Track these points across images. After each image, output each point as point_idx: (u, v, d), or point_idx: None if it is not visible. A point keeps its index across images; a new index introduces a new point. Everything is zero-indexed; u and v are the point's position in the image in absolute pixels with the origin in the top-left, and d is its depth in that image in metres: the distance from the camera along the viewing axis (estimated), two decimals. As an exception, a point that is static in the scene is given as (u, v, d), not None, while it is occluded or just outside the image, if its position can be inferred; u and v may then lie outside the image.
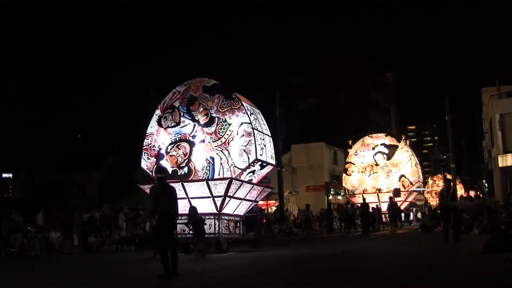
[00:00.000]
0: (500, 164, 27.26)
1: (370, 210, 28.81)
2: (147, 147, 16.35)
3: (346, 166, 35.58)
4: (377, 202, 31.81)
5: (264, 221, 25.45)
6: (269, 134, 16.69)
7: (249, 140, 15.09)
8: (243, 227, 16.78)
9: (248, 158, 15.07)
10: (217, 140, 15.38)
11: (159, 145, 16.19)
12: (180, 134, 15.95)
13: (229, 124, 15.36)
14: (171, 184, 13.44)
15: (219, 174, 15.23)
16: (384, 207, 30.40)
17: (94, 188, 41.55)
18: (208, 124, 15.62)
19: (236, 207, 15.85)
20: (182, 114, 16.08)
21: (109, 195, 35.44)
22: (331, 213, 30.83)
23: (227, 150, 15.23)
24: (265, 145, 15.86)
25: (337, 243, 19.37)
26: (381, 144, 34.33)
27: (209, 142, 15.52)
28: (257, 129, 15.51)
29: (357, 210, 29.76)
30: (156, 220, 8.80)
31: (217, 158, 15.30)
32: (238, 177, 15.25)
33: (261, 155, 15.42)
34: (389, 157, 33.90)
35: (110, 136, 42.76)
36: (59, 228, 20.33)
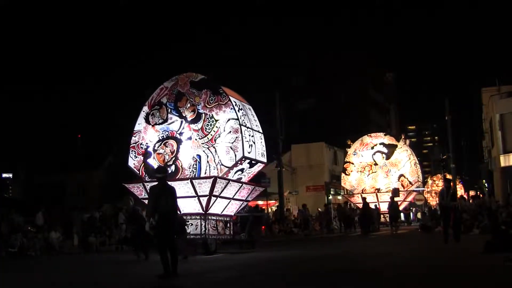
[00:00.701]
0: (502, 164, 27.22)
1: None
2: (134, 145, 15.77)
3: (344, 166, 35.07)
4: (376, 202, 31.29)
5: (263, 227, 25.34)
6: (260, 131, 16.00)
7: (236, 137, 14.42)
8: (235, 228, 16.23)
9: (235, 155, 14.39)
10: (204, 137, 14.74)
11: (146, 143, 15.62)
12: (168, 131, 15.38)
13: (216, 121, 14.71)
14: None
15: (205, 173, 14.58)
16: (383, 207, 30.09)
17: (94, 188, 41.59)
18: (195, 121, 15.00)
19: (224, 207, 15.18)
20: (169, 110, 15.47)
21: (109, 195, 35.41)
22: (329, 213, 30.31)
23: (214, 147, 14.59)
24: (254, 142, 15.17)
25: (336, 243, 19.17)
26: (380, 144, 33.87)
27: (195, 139, 14.89)
28: (245, 126, 14.85)
29: (357, 211, 29.83)
30: (155, 220, 8.82)
31: (203, 156, 14.67)
32: (225, 176, 14.57)
33: (249, 152, 14.76)
34: (388, 156, 33.44)
35: (110, 136, 42.76)
36: (59, 228, 20.34)
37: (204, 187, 14.24)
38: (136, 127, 15.86)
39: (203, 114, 14.90)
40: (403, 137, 35.45)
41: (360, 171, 33.77)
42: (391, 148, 33.68)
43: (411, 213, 40.97)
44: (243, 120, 14.85)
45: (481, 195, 33.09)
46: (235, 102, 14.99)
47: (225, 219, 15.47)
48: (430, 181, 51.01)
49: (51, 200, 34.31)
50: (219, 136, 14.58)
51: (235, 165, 14.55)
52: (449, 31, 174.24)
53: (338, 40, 66.91)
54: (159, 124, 15.54)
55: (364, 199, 27.63)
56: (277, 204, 32.94)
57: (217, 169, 14.46)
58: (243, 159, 14.57)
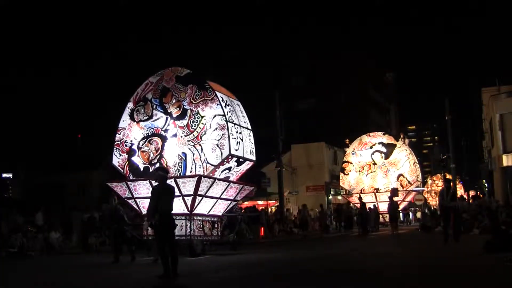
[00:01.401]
0: (504, 164, 27.16)
1: (368, 210, 28.73)
2: (119, 142, 15.12)
3: (343, 165, 34.59)
4: (375, 202, 30.83)
5: (262, 228, 25.10)
6: (249, 128, 15.28)
7: (223, 134, 13.74)
8: (223, 228, 15.54)
9: (222, 153, 13.71)
10: (189, 134, 14.05)
11: (131, 140, 14.97)
12: (153, 128, 14.72)
13: (202, 117, 14.02)
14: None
15: (191, 171, 13.89)
16: (382, 207, 29.68)
17: (94, 188, 41.56)
18: (180, 117, 14.31)
19: (211, 207, 14.46)
20: (154, 106, 14.81)
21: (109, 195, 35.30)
22: (324, 213, 29.74)
23: (200, 145, 13.90)
24: (242, 139, 14.45)
25: (336, 244, 19.07)
26: (379, 143, 33.49)
27: (181, 137, 14.20)
28: (232, 122, 14.14)
29: (357, 210, 29.74)
30: (156, 220, 8.82)
31: (189, 154, 13.99)
32: (211, 174, 13.88)
33: (236, 150, 14.07)
34: (387, 156, 33.05)
35: (110, 136, 42.68)
36: (59, 228, 20.32)
37: (188, 186, 13.57)
38: (121, 124, 15.26)
39: (189, 110, 14.24)
40: (402, 136, 35.41)
41: (359, 171, 33.39)
42: (390, 148, 33.32)
43: (410, 213, 40.93)
44: (230, 116, 14.15)
45: (481, 195, 33.06)
46: (221, 97, 14.31)
47: (212, 219, 14.78)
48: (430, 181, 50.75)
49: (51, 200, 34.29)
50: (205, 133, 13.94)
51: (222, 163, 13.91)
52: (449, 31, 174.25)
53: (338, 40, 66.97)
54: (143, 120, 14.92)
55: (360, 199, 27.20)
56: (277, 204, 32.92)
57: (203, 168, 13.81)
58: (230, 157, 13.94)
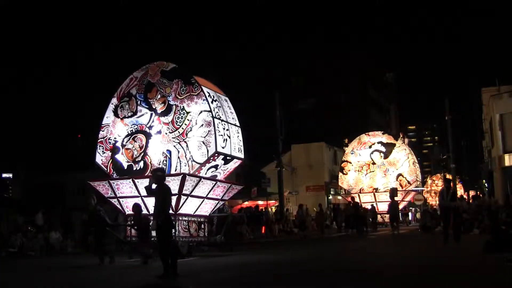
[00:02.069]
0: (507, 163, 27.11)
1: (366, 210, 27.57)
2: (102, 139, 14.55)
3: (342, 165, 34.16)
4: (373, 202, 30.45)
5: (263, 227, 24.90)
6: (237, 124, 14.56)
7: (209, 131, 13.10)
8: (210, 228, 14.93)
9: (208, 151, 13.07)
10: (175, 131, 13.46)
11: (115, 138, 14.37)
12: (137, 125, 14.12)
13: (188, 113, 13.40)
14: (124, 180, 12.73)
15: (176, 169, 13.29)
16: (380, 207, 29.38)
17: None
18: (165, 113, 13.71)
19: (197, 207, 13.81)
20: (139, 102, 14.18)
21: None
22: (322, 213, 28.71)
23: (185, 142, 13.29)
24: (229, 136, 13.79)
25: (336, 244, 18.90)
26: (378, 142, 33.07)
27: (166, 133, 13.60)
28: (219, 118, 13.49)
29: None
30: (162, 220, 8.83)
31: (174, 151, 13.38)
32: (196, 173, 13.22)
33: (223, 147, 13.42)
34: (386, 155, 32.63)
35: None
36: (59, 228, 20.31)
37: (172, 185, 12.72)
38: (104, 121, 14.65)
39: (174, 106, 13.61)
40: (401, 136, 35.32)
41: (358, 171, 33.00)
42: (389, 147, 32.91)
43: (410, 213, 40.81)
44: (216, 112, 13.50)
45: (481, 195, 33.00)
46: (208, 92, 13.65)
47: (199, 219, 14.11)
48: (429, 181, 50.47)
49: (51, 200, 34.27)
50: (190, 130, 13.31)
51: (208, 161, 13.27)
52: (449, 31, 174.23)
53: (338, 40, 66.94)
54: (128, 117, 14.31)
55: (353, 198, 26.80)
56: (277, 204, 32.90)
57: (188, 166, 13.19)
58: (216, 154, 13.28)
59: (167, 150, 13.56)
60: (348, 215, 26.03)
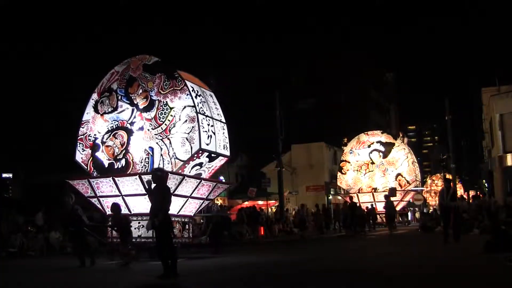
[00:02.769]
0: (509, 163, 27.13)
1: (365, 209, 27.36)
2: (82, 136, 13.88)
3: (341, 165, 33.81)
4: (372, 202, 30.12)
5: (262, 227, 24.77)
6: (223, 120, 13.90)
7: (193, 127, 12.47)
8: (196, 229, 14.36)
9: (191, 148, 12.44)
10: (157, 127, 12.86)
11: (94, 134, 13.71)
12: (118, 121, 13.49)
13: (171, 108, 12.79)
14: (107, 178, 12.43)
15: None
16: (379, 207, 28.78)
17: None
18: (147, 109, 13.08)
19: (181, 207, 13.17)
20: (119, 97, 13.55)
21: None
22: (320, 213, 28.27)
23: (168, 138, 12.68)
24: (214, 133, 13.16)
25: (336, 244, 18.80)
26: (377, 142, 32.78)
27: (148, 130, 12.98)
28: (203, 114, 12.85)
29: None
30: (159, 220, 8.84)
31: (157, 149, 12.79)
32: (180, 171, 12.62)
33: (207, 144, 12.80)
34: (385, 155, 32.37)
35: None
36: (59, 228, 20.28)
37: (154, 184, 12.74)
38: (84, 117, 14.00)
39: (157, 101, 12.99)
40: (401, 135, 35.21)
41: (357, 170, 32.67)
42: (388, 147, 32.63)
43: (409, 213, 40.67)
44: (201, 107, 12.85)
45: (481, 196, 32.98)
46: (192, 87, 13.01)
47: (183, 220, 13.46)
48: (429, 181, 50.05)
49: (51, 200, 34.20)
50: (174, 126, 12.68)
51: (191, 158, 12.62)
52: (449, 31, 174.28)
53: (338, 40, 66.93)
54: (108, 113, 13.68)
55: (351, 198, 26.40)
56: (277, 204, 32.89)
57: (171, 163, 12.56)
58: (201, 152, 12.64)
59: (150, 147, 12.95)
60: (345, 215, 25.91)
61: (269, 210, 33.19)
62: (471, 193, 42.42)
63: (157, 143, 12.89)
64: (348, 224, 24.63)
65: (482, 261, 9.89)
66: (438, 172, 46.20)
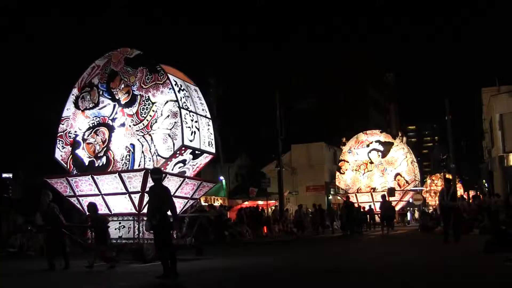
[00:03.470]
0: (505, 164, 27.12)
1: (363, 209, 26.99)
2: (62, 133, 13.27)
3: (339, 164, 33.40)
4: (371, 202, 29.81)
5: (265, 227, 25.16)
6: (208, 116, 13.19)
7: (175, 122, 11.83)
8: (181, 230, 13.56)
9: (174, 144, 11.81)
10: (139, 123, 12.22)
11: (75, 131, 13.10)
12: (99, 117, 12.87)
13: (153, 103, 12.15)
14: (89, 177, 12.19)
15: (139, 165, 11.97)
16: (378, 207, 28.04)
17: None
18: (129, 104, 12.44)
19: None
20: (101, 92, 12.92)
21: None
22: (317, 213, 27.83)
23: (150, 135, 12.04)
24: (198, 129, 12.48)
25: (336, 244, 18.65)
26: (376, 141, 32.46)
27: (129, 126, 12.33)
28: (186, 109, 12.19)
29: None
30: (157, 220, 8.84)
31: (138, 145, 12.16)
32: (162, 168, 11.56)
33: (191, 140, 12.15)
34: (384, 154, 32.01)
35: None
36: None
37: (134, 182, 11.69)
38: (65, 113, 13.37)
39: (139, 96, 12.34)
40: (400, 135, 35.06)
41: (356, 170, 32.30)
42: (387, 146, 32.26)
43: (408, 213, 40.53)
44: (184, 102, 12.20)
45: (481, 196, 32.95)
46: (175, 81, 12.37)
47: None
48: (429, 181, 49.74)
49: (51, 200, 34.14)
50: (155, 122, 12.06)
51: (174, 155, 11.98)
52: (449, 31, 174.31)
53: (338, 40, 66.88)
54: (89, 108, 13.06)
55: (347, 198, 26.12)
56: (276, 204, 32.90)
57: (153, 161, 11.93)
58: (183, 148, 11.98)
59: (131, 144, 12.30)
60: (342, 215, 25.50)
61: (269, 210, 33.17)
62: (471, 193, 42.42)
63: (138, 139, 12.25)
64: (343, 224, 24.55)
65: (482, 261, 9.84)
66: (438, 172, 46.20)
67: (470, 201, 29.28)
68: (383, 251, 13.86)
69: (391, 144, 32.73)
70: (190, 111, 12.41)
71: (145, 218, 11.58)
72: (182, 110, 12.02)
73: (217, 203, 29.32)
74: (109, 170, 12.37)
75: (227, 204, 31.41)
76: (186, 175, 12.85)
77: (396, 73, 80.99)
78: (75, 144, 13.13)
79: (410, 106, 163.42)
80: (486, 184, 41.21)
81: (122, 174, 11.83)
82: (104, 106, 12.93)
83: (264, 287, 8.07)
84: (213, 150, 13.24)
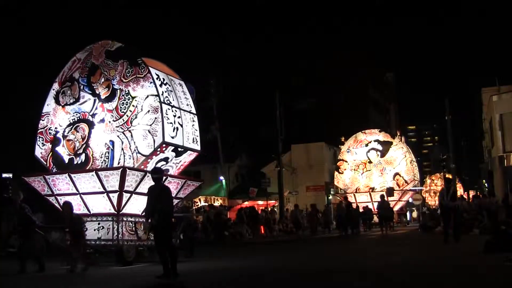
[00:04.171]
0: (505, 164, 27.12)
1: (361, 210, 26.70)
2: (42, 130, 12.69)
3: (338, 164, 32.98)
4: (369, 202, 29.42)
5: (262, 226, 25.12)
6: (193, 111, 12.50)
7: (156, 118, 11.21)
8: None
9: (154, 141, 11.21)
10: (119, 118, 11.59)
11: (55, 128, 12.50)
12: (79, 113, 12.27)
13: (133, 98, 11.51)
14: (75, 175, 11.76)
15: (119, 163, 11.33)
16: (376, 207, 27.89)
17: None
18: (109, 99, 11.84)
19: None
20: (81, 87, 12.30)
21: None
22: (315, 213, 27.55)
23: (130, 131, 11.41)
24: (182, 125, 11.83)
25: (335, 244, 18.66)
26: (375, 141, 32.00)
27: (109, 122, 11.70)
28: (168, 104, 11.53)
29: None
30: (156, 220, 8.85)
31: (117, 142, 11.52)
32: (142, 166, 11.31)
33: (173, 137, 11.51)
34: (383, 154, 31.55)
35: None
36: (59, 228, 20.19)
37: (112, 181, 11.04)
38: (45, 109, 12.78)
39: (118, 91, 11.73)
40: (399, 134, 34.98)
41: (354, 170, 31.86)
42: (386, 146, 31.82)
43: (407, 213, 39.96)
44: (166, 97, 11.56)
45: (481, 196, 32.92)
46: (157, 74, 11.72)
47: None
48: (428, 181, 49.06)
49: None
50: (135, 117, 11.43)
51: (154, 153, 11.35)
52: (449, 31, 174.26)
53: (338, 40, 66.84)
54: (70, 104, 12.45)
55: (345, 198, 25.79)
56: (276, 204, 32.88)
57: (133, 158, 11.30)
58: (164, 145, 11.35)
59: (110, 140, 11.68)
60: (339, 215, 25.69)
61: (269, 210, 33.15)
62: (471, 193, 42.44)
63: (118, 136, 11.57)
64: (338, 224, 24.24)
65: (482, 261, 9.82)
66: (438, 172, 46.23)
67: (470, 201, 29.31)
68: (383, 251, 13.82)
69: (390, 143, 32.28)
70: (172, 106, 11.74)
71: (124, 219, 11.50)
72: (163, 105, 11.37)
73: (217, 203, 29.33)
74: (88, 168, 11.76)
75: (227, 204, 31.42)
76: (169, 173, 12.25)
77: (396, 73, 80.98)
78: (55, 141, 12.52)
79: (410, 106, 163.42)
80: (486, 184, 41.20)
81: (99, 173, 11.24)
82: (85, 101, 12.32)
83: (264, 287, 8.05)
84: (198, 147, 12.48)
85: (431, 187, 47.63)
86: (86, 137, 12.08)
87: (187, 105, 12.45)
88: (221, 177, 35.41)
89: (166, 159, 11.93)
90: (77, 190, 11.79)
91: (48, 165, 12.54)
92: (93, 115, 12.10)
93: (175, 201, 12.88)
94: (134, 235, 11.72)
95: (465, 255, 11.08)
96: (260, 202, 30.58)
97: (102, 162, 11.72)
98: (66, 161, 12.27)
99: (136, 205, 11.72)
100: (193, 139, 12.36)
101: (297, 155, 42.12)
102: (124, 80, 11.78)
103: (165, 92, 11.70)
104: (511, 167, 26.47)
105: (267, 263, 11.53)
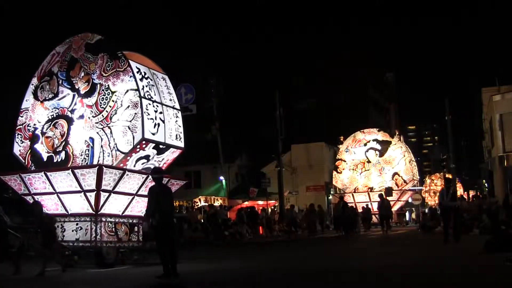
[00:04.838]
0: (505, 164, 27.13)
1: (360, 210, 26.62)
2: (21, 126, 12.17)
3: (336, 163, 32.72)
4: (368, 202, 29.15)
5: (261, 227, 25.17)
6: (177, 107, 11.93)
7: (135, 113, 10.67)
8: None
9: (133, 137, 10.64)
10: (98, 114, 11.06)
11: (34, 124, 11.96)
12: (58, 109, 11.72)
13: (113, 93, 10.98)
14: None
15: (98, 161, 10.79)
16: (376, 206, 27.63)
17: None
18: (88, 94, 11.29)
19: (126, 206, 11.31)
20: (60, 82, 11.77)
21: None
22: (313, 213, 26.96)
23: (109, 127, 10.88)
24: (163, 121, 11.27)
25: (335, 244, 18.52)
26: (373, 140, 31.79)
27: (88, 118, 11.16)
28: (149, 99, 10.99)
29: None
30: (156, 220, 8.87)
31: (97, 139, 10.99)
32: (121, 164, 10.74)
33: (154, 133, 10.99)
34: (381, 153, 31.32)
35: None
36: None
37: (89, 179, 10.52)
38: (24, 105, 12.23)
39: (98, 85, 11.20)
40: (397, 133, 34.90)
41: (353, 169, 31.64)
42: (385, 145, 31.57)
43: (406, 213, 39.43)
44: (147, 91, 11.00)
45: (481, 196, 32.90)
46: (138, 68, 11.17)
47: (131, 221, 11.54)
48: (428, 181, 49.17)
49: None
50: (115, 113, 10.89)
51: (134, 150, 10.78)
52: (449, 31, 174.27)
53: (338, 40, 66.87)
54: (48, 99, 11.92)
55: (342, 198, 25.48)
56: (276, 204, 32.86)
57: (112, 156, 10.76)
58: (144, 142, 10.79)
59: (90, 137, 11.15)
60: (337, 215, 24.95)
61: (269, 210, 33.16)
62: (471, 193, 42.45)
63: (97, 132, 11.06)
64: (335, 224, 24.43)
65: (482, 261, 9.79)
66: (438, 172, 46.23)
67: (470, 200, 29.31)
68: (383, 251, 13.81)
69: (389, 143, 31.96)
70: (154, 101, 11.17)
71: (103, 219, 10.88)
72: (143, 99, 10.78)
73: (217, 203, 29.33)
74: (68, 166, 11.18)
75: (227, 204, 31.42)
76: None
77: (396, 73, 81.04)
78: (34, 138, 11.94)
79: (410, 106, 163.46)
80: (486, 184, 41.19)
81: (76, 171, 10.66)
82: (64, 97, 11.73)
83: (264, 287, 8.05)
84: (181, 144, 11.88)
85: (431, 187, 47.61)
86: (66, 134, 11.52)
87: (170, 100, 11.85)
88: (221, 177, 35.39)
89: (147, 157, 11.35)
90: (53, 189, 11.23)
91: (26, 163, 11.97)
92: (72, 111, 11.55)
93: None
94: (114, 236, 11.14)
95: (465, 255, 11.03)
96: (260, 202, 30.55)
97: (82, 160, 11.17)
98: (45, 159, 11.69)
99: (116, 205, 11.17)
100: (176, 135, 11.75)
101: (297, 155, 42.04)
102: (104, 74, 11.22)
103: (146, 86, 11.13)
104: (511, 167, 26.44)
105: (267, 263, 11.50)
